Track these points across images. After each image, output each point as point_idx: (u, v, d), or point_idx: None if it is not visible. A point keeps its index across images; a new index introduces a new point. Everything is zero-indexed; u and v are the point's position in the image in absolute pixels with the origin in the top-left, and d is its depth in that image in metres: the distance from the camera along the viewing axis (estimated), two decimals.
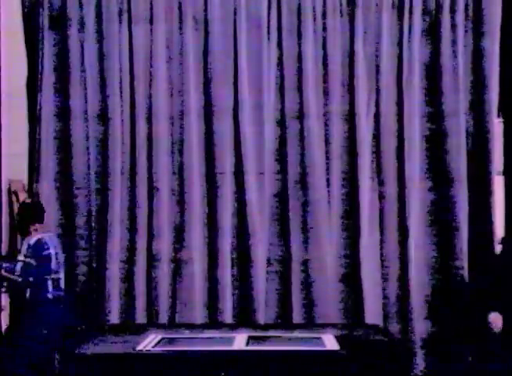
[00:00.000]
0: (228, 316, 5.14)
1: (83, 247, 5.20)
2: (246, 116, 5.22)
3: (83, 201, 5.21)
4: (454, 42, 5.24)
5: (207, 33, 5.23)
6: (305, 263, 5.20)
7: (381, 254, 5.25)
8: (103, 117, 5.21)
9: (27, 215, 4.79)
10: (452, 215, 5.23)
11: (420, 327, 5.20)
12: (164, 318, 5.16)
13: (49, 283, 4.67)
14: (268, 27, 5.25)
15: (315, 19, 5.25)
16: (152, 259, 5.19)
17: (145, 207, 5.21)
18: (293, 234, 5.22)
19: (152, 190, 5.21)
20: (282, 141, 5.25)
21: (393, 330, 5.14)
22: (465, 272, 5.19)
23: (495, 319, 4.60)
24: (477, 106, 5.28)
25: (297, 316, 5.17)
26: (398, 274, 5.24)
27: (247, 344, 4.06)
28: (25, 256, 4.67)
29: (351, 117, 5.26)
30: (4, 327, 5.22)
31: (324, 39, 5.26)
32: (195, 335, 4.33)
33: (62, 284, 4.76)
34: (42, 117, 5.21)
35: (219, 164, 5.21)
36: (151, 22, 5.23)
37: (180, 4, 5.23)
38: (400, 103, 5.26)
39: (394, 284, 5.24)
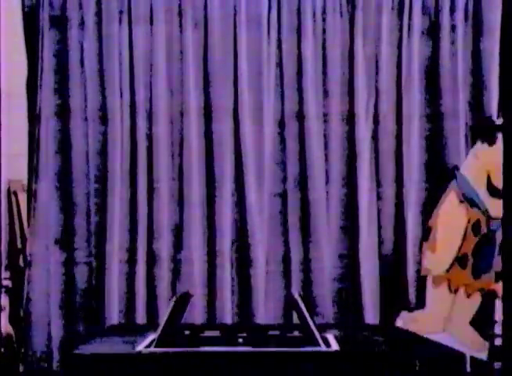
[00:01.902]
0: (228, 316, 5.15)
1: (82, 247, 5.20)
2: (247, 116, 5.22)
3: (82, 201, 5.21)
4: (454, 42, 5.24)
5: (206, 33, 5.22)
6: (305, 263, 5.21)
7: (380, 255, 5.25)
8: (103, 117, 5.21)
9: None
10: None
11: None
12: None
13: None
14: (268, 27, 5.25)
15: (315, 20, 5.25)
16: (152, 259, 5.20)
17: (145, 207, 5.21)
18: (292, 234, 5.22)
19: (152, 190, 5.22)
20: (282, 141, 5.26)
21: (392, 330, 5.15)
22: None
23: None
24: (477, 107, 5.28)
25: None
26: (398, 274, 5.24)
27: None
28: None
29: (350, 118, 5.26)
30: (4, 327, 5.22)
31: (324, 39, 5.26)
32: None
33: None
34: (41, 117, 5.21)
35: (219, 163, 5.21)
36: (151, 22, 5.23)
37: (180, 4, 5.23)
38: (399, 104, 5.26)
39: (393, 284, 5.25)
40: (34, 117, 5.23)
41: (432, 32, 5.27)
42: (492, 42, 5.25)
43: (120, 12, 5.20)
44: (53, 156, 5.21)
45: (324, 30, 5.26)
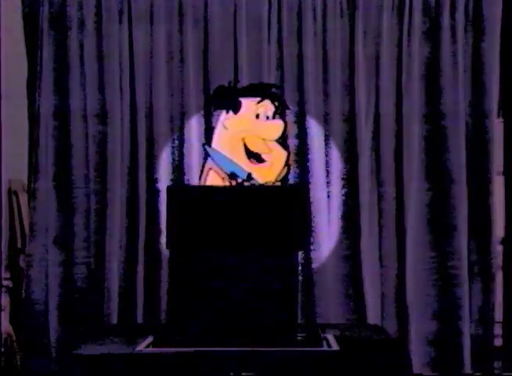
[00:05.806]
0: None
1: (82, 247, 5.20)
2: None
3: (82, 201, 5.21)
4: (454, 42, 5.23)
5: (206, 33, 5.22)
6: (305, 263, 5.20)
7: (380, 255, 5.25)
8: (103, 116, 5.21)
9: None
10: (452, 216, 5.22)
11: (420, 326, 5.20)
12: (163, 318, 5.16)
13: None
14: (269, 27, 5.24)
15: (315, 20, 5.25)
16: (152, 259, 5.20)
17: (145, 207, 5.21)
18: None
19: (152, 190, 5.22)
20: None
21: (392, 330, 5.15)
22: (464, 273, 5.20)
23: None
24: (477, 107, 5.27)
25: (297, 316, 5.17)
26: (397, 274, 5.24)
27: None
28: None
29: (351, 117, 5.25)
30: (4, 327, 5.22)
31: (324, 39, 5.25)
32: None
33: None
34: (41, 117, 5.21)
35: None
36: (151, 22, 5.22)
37: (180, 4, 5.23)
38: (400, 104, 5.25)
39: (393, 284, 5.24)
40: (34, 117, 5.23)
41: (432, 32, 5.26)
42: (493, 42, 5.24)
43: (121, 12, 5.20)
44: (53, 156, 5.21)
45: (324, 30, 5.25)
